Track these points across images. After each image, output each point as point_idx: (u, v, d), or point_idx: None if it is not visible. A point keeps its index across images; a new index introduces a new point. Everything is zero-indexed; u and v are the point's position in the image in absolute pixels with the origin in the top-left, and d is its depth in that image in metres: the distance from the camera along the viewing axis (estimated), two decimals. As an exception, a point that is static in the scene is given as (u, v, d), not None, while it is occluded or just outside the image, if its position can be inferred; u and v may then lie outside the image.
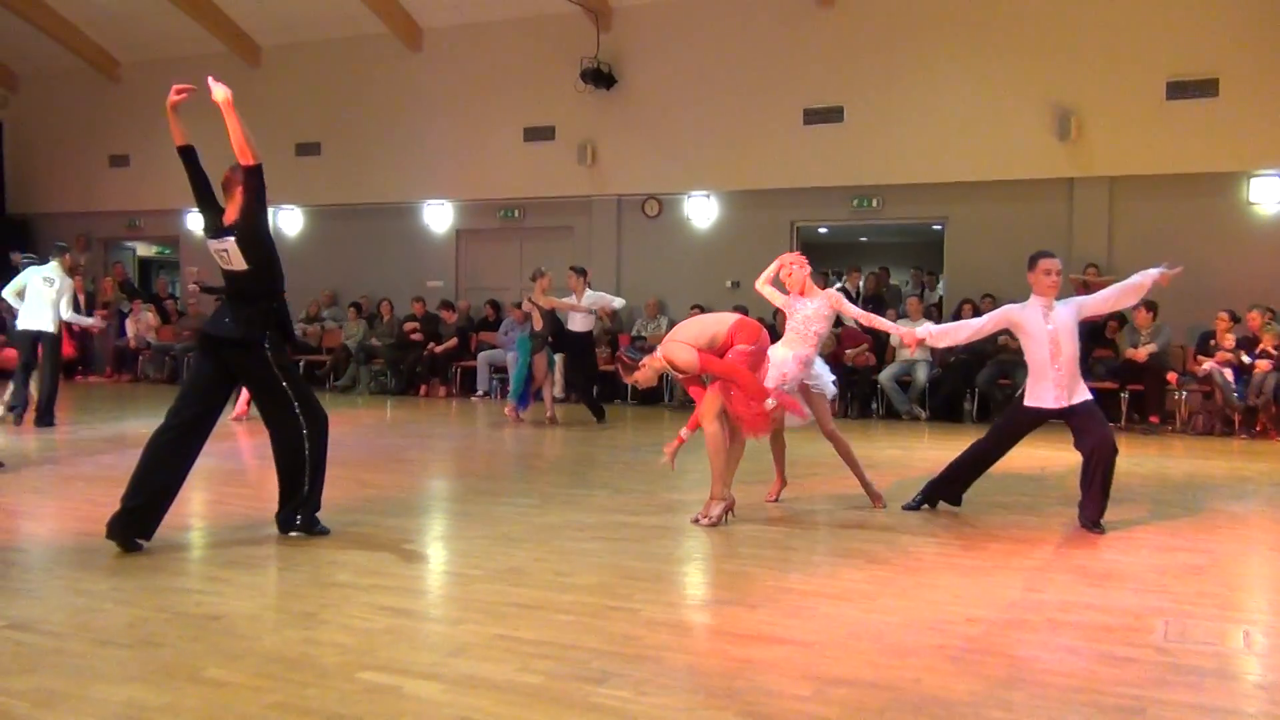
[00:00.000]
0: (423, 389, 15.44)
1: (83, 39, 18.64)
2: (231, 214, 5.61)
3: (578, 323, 12.15)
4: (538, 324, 11.48)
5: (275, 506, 5.60)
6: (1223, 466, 6.53)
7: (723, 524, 5.94)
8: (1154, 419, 11.77)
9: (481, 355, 15.05)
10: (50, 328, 10.59)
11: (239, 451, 9.13)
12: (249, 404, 10.88)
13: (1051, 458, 8.51)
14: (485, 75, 16.46)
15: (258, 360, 5.38)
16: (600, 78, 15.26)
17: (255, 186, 5.52)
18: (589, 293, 12.23)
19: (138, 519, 5.15)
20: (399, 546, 5.40)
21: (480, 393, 14.91)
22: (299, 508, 5.50)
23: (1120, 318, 12.60)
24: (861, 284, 15.48)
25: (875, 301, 14.36)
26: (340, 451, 9.09)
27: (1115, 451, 5.89)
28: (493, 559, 5.11)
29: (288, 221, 18.11)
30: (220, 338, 5.37)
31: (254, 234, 5.48)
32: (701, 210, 15.45)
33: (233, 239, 5.47)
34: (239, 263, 5.45)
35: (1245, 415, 11.33)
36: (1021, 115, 13.46)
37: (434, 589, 4.80)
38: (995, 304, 13.18)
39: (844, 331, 13.22)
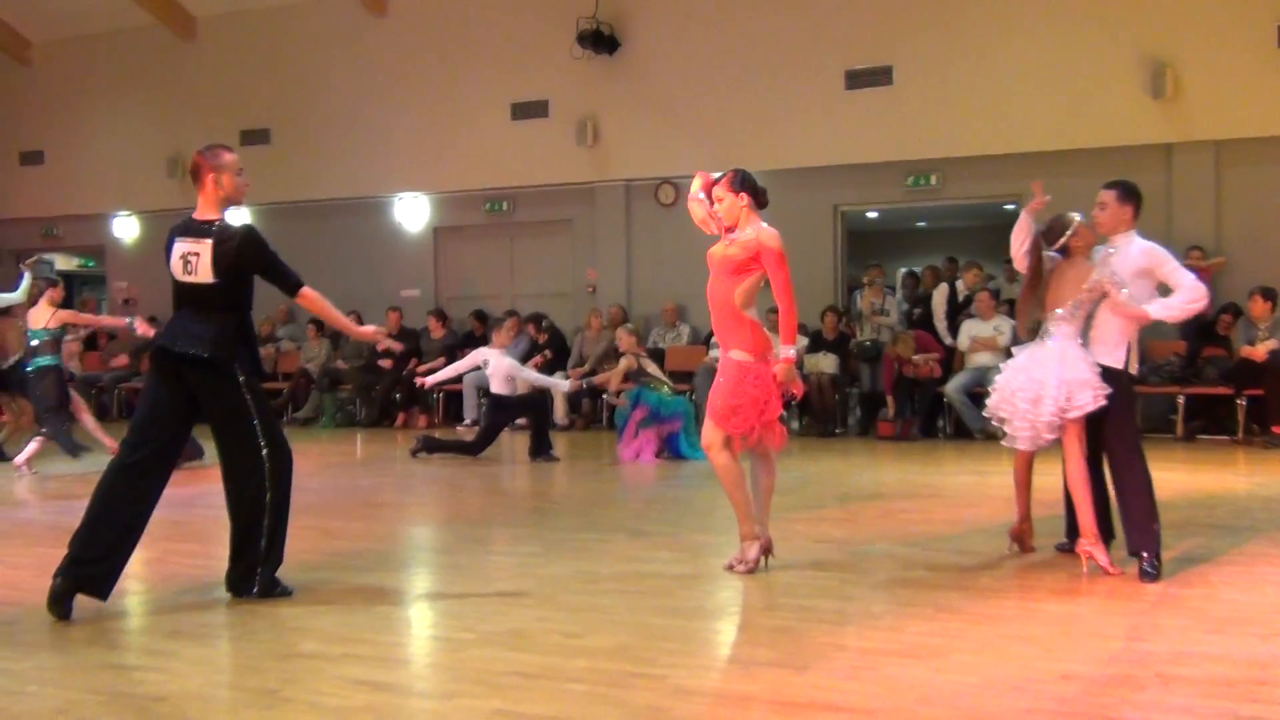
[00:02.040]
0: (400, 418, 15.49)
1: (-15, 15, 18.83)
2: (205, 209, 5.58)
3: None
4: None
5: (221, 563, 5.61)
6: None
7: (761, 568, 5.93)
8: (1277, 429, 11.71)
9: (468, 379, 15.10)
10: None
11: (183, 499, 9.15)
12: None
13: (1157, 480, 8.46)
14: (463, 43, 16.55)
15: (228, 384, 5.37)
16: (600, 41, 15.32)
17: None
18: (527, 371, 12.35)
19: (90, 576, 5.16)
20: (375, 608, 5.40)
21: (468, 421, 14.95)
22: (256, 566, 5.50)
23: (1235, 310, 12.56)
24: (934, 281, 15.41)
25: (928, 301, 14.31)
26: (302, 496, 9.10)
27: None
28: (488, 620, 5.11)
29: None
30: (184, 355, 5.34)
31: (248, 254, 5.46)
32: (726, 196, 15.45)
33: (209, 242, 5.44)
34: (205, 274, 5.42)
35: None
36: (1107, 71, 13.45)
37: (418, 657, 4.80)
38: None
39: (916, 335, 13.22)
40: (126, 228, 18.92)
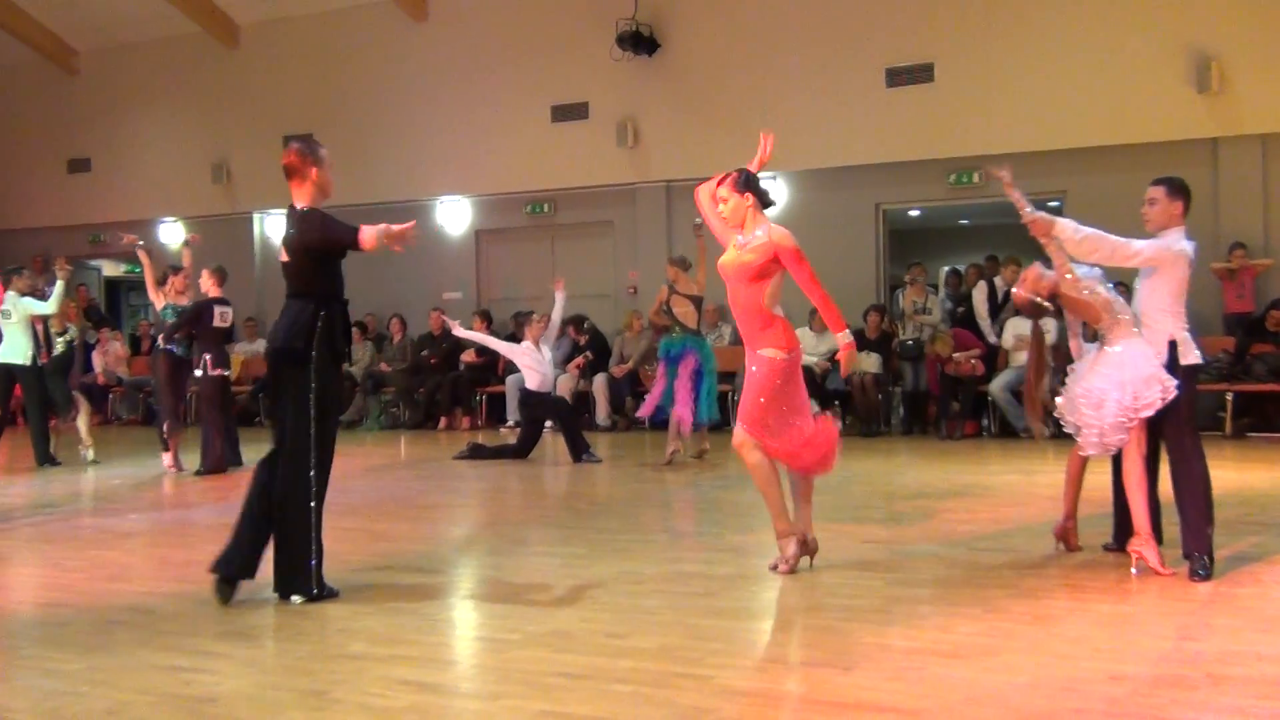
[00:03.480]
0: (442, 421, 15.56)
1: (33, 25, 19.08)
2: (297, 198, 5.95)
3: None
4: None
5: (269, 564, 5.65)
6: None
7: (805, 568, 5.92)
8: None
9: (511, 379, 15.16)
10: (20, 359, 11.38)
11: (232, 504, 9.23)
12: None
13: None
14: (503, 46, 16.61)
15: (299, 375, 5.57)
16: (640, 42, 15.33)
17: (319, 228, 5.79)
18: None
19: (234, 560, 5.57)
20: (421, 609, 5.43)
21: (510, 423, 14.99)
22: (299, 570, 5.57)
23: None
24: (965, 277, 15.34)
25: (970, 299, 14.20)
26: (347, 498, 9.20)
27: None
28: (533, 621, 5.12)
29: (276, 228, 18.34)
30: (266, 347, 5.74)
31: (305, 224, 5.75)
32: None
33: (286, 223, 5.82)
34: (281, 253, 5.83)
35: None
36: (1151, 65, 13.32)
37: (464, 658, 4.82)
38: (1128, 292, 13.07)
39: (956, 333, 13.15)
40: (172, 233, 19.09)
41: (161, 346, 11.11)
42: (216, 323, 10.89)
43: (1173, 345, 5.80)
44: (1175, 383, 5.66)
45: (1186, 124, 13.26)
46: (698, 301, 10.98)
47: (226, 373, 11.07)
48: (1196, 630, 4.76)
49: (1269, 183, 13.07)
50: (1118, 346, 5.85)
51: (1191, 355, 5.83)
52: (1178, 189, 5.96)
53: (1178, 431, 5.77)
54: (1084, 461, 6.15)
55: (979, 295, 13.76)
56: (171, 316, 11.14)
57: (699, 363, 10.86)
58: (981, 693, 3.97)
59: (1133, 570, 5.65)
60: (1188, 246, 5.82)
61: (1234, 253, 12.36)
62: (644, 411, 11.17)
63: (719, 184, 6.15)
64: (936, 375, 13.04)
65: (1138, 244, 5.77)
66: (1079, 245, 5.83)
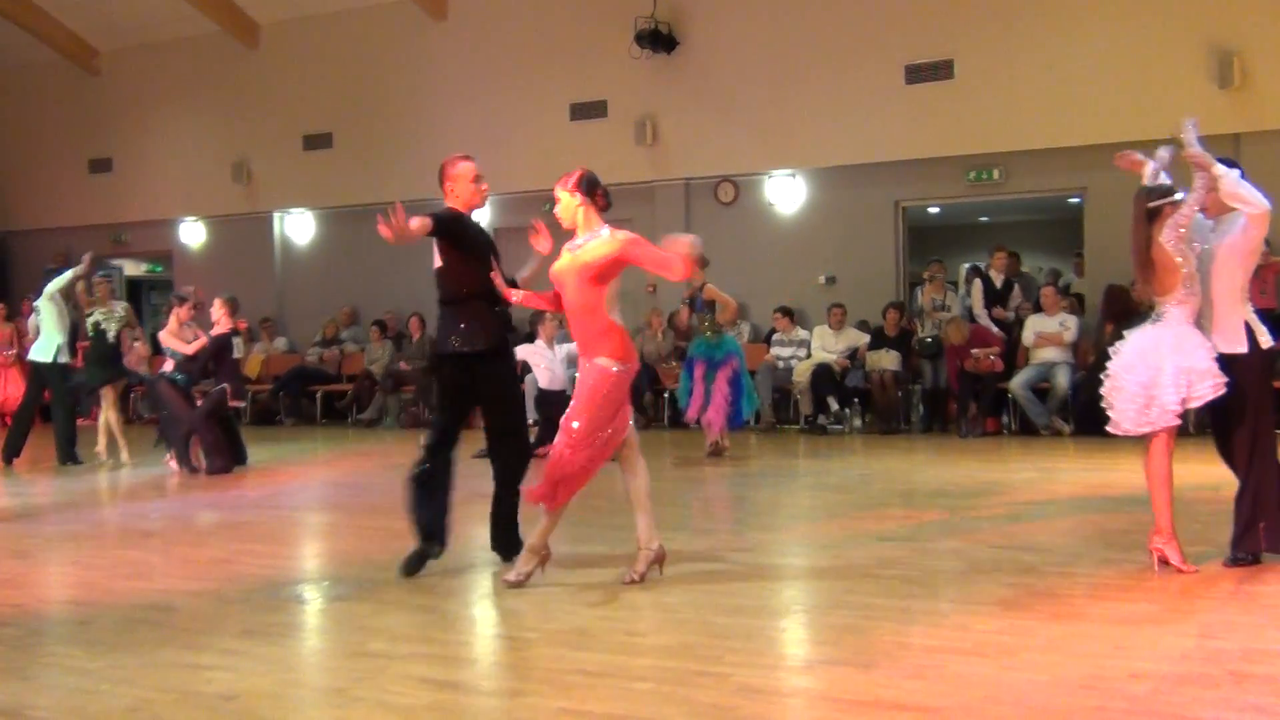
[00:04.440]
0: (461, 419, 15.58)
1: (54, 25, 19.15)
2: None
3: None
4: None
5: (291, 564, 5.68)
6: None
7: (655, 577, 5.76)
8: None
9: (529, 378, 15.14)
10: (42, 357, 11.64)
11: (250, 501, 9.28)
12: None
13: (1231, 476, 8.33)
14: (522, 44, 16.62)
15: (501, 370, 6.27)
16: (659, 40, 15.32)
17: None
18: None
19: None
20: (440, 607, 5.45)
21: (529, 421, 14.97)
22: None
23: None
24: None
25: (995, 296, 14.12)
26: (369, 497, 9.23)
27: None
28: (552, 618, 5.13)
29: (296, 227, 18.43)
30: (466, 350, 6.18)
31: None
32: (786, 193, 15.42)
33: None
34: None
35: None
36: (1172, 60, 13.23)
37: (484, 656, 4.83)
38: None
39: (973, 329, 13.10)
40: (193, 233, 19.17)
41: (166, 376, 11.12)
42: (237, 354, 11.08)
43: (1248, 329, 5.70)
44: (1227, 380, 5.55)
45: (1208, 119, 12.97)
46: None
47: (243, 403, 11.36)
48: (1218, 628, 4.74)
49: (1292, 178, 12.98)
50: (1178, 329, 5.65)
51: (1266, 338, 5.71)
52: (1232, 169, 5.82)
53: (1259, 421, 5.66)
54: (1170, 453, 5.73)
55: (976, 292, 13.67)
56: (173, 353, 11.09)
57: (738, 364, 11.14)
58: (1001, 691, 3.96)
59: (1154, 568, 5.62)
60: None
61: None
62: (692, 415, 11.20)
63: (559, 182, 6.02)
64: (955, 368, 12.98)
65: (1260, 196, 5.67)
66: (1232, 191, 5.66)
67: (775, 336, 14.46)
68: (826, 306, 14.32)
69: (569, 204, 5.93)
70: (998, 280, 13.77)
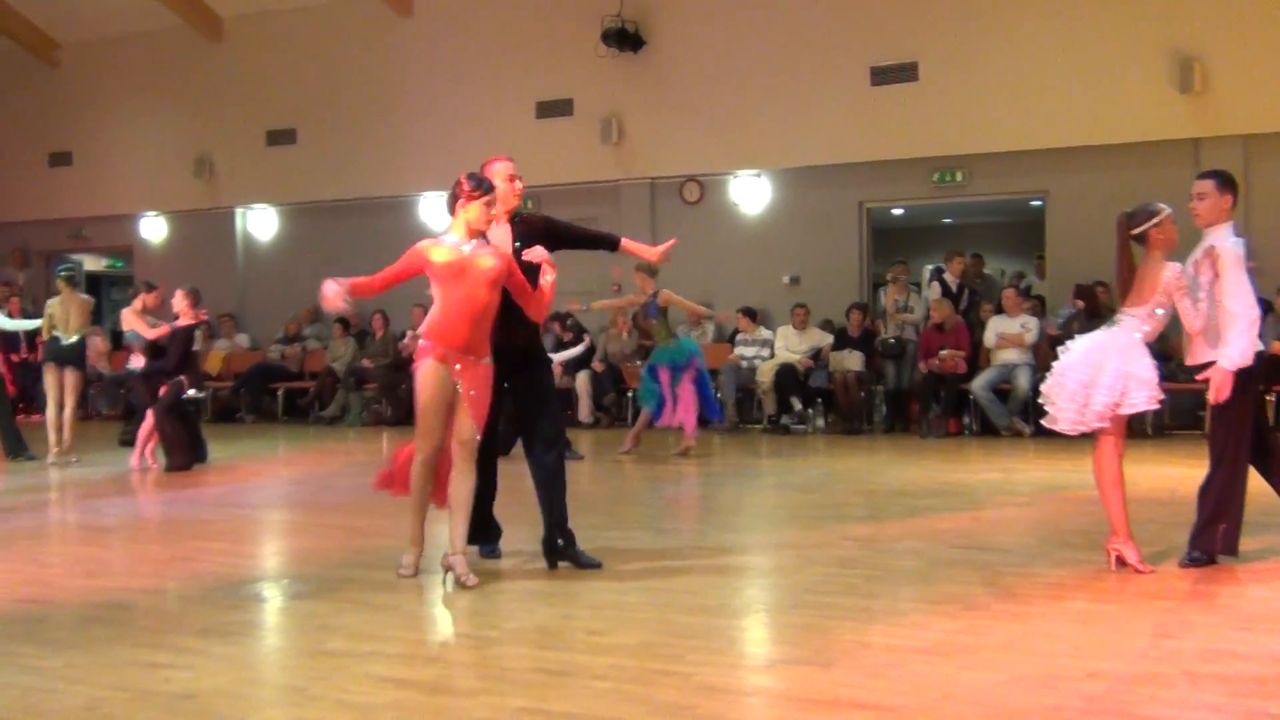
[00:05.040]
0: (425, 417, 15.53)
1: (13, 16, 18.94)
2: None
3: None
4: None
5: (250, 561, 5.65)
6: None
7: (447, 588, 5.72)
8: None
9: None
10: None
11: (210, 499, 9.22)
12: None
13: (1185, 477, 8.42)
14: (488, 42, 16.58)
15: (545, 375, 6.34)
16: (625, 39, 15.33)
17: None
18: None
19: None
20: (402, 606, 5.43)
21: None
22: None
23: (1266, 306, 12.45)
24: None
25: (952, 300, 14.21)
26: (331, 495, 9.19)
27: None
28: (513, 618, 5.13)
29: (259, 223, 18.31)
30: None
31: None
32: (751, 193, 15.46)
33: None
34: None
35: None
36: (1134, 65, 13.36)
37: (444, 655, 4.81)
38: (1110, 291, 13.13)
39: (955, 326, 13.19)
40: (155, 228, 19.02)
41: (138, 370, 11.06)
42: (196, 346, 11.04)
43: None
44: (1162, 397, 5.65)
45: (1169, 124, 13.31)
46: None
47: (201, 394, 11.25)
48: (1174, 628, 4.78)
49: (1250, 183, 13.08)
50: (1129, 337, 5.71)
51: (1255, 346, 5.74)
52: (1227, 182, 5.84)
53: (1232, 431, 5.74)
54: (1119, 456, 5.80)
55: (933, 295, 13.75)
56: (136, 338, 11.05)
57: (700, 363, 11.26)
58: (959, 690, 3.99)
59: (1111, 568, 5.67)
60: (1240, 244, 5.73)
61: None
62: (664, 421, 11.28)
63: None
64: (929, 348, 13.02)
65: (1238, 300, 5.60)
66: (1239, 355, 5.61)
67: (739, 336, 14.50)
68: (790, 306, 14.37)
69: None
70: (953, 284, 13.85)
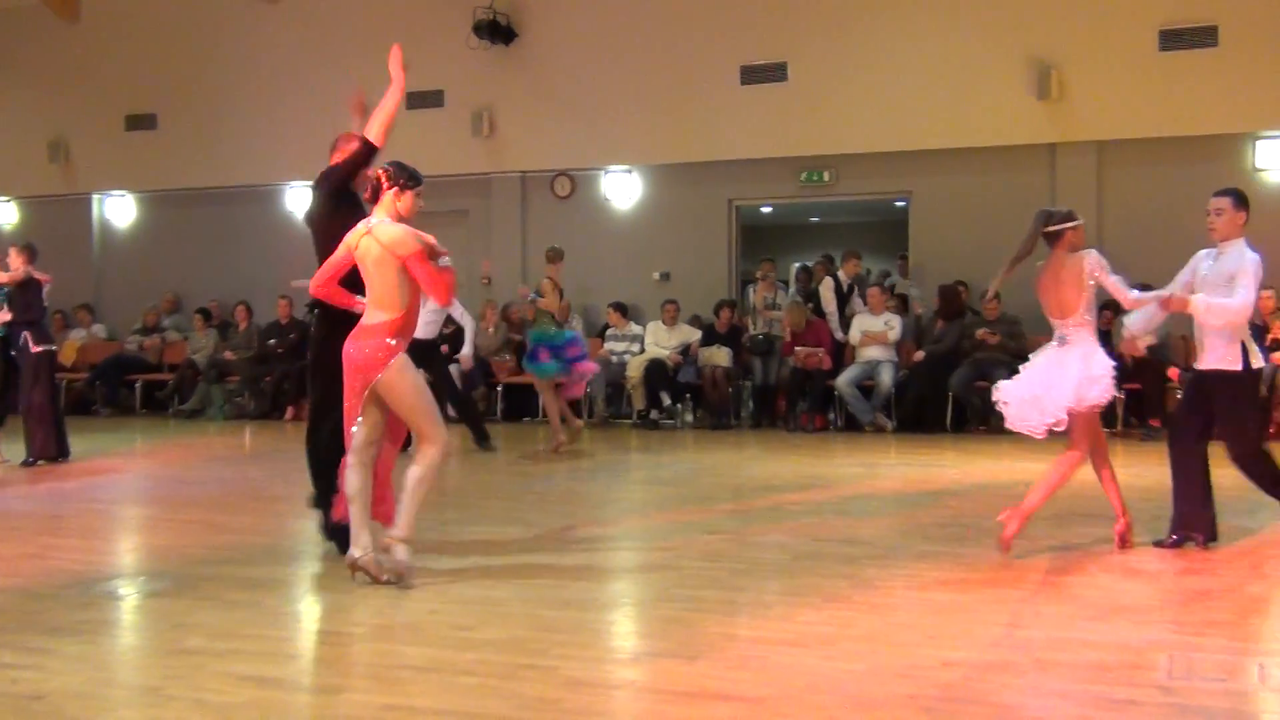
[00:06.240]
0: (289, 411, 15.24)
1: None
2: None
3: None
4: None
5: (106, 559, 5.50)
6: (1233, 475, 6.75)
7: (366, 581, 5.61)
8: (1154, 422, 12.06)
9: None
10: None
11: (61, 494, 8.93)
12: None
13: (1031, 473, 8.68)
14: (357, 29, 16.31)
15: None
16: (497, 31, 15.24)
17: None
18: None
19: None
20: (262, 602, 5.33)
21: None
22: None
23: (1116, 308, 12.90)
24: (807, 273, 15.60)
25: (842, 299, 14.45)
26: (190, 490, 8.98)
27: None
28: (378, 613, 5.07)
29: (116, 211, 17.76)
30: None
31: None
32: (622, 188, 15.50)
33: None
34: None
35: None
36: (995, 72, 13.71)
37: (306, 652, 4.75)
38: (970, 290, 13.48)
39: (812, 324, 13.37)
40: (5, 213, 18.33)
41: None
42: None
43: (1243, 348, 6.08)
44: (1113, 394, 6.12)
45: (1027, 130, 13.70)
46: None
47: (53, 348, 10.66)
48: (1027, 618, 4.94)
49: (1103, 187, 13.58)
50: (1085, 346, 6.09)
51: (1258, 358, 6.17)
52: (1242, 200, 6.25)
53: (1241, 435, 6.21)
54: (1074, 472, 6.23)
55: (826, 291, 14.00)
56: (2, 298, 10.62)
57: (581, 348, 11.54)
58: (821, 680, 4.06)
59: (998, 527, 5.83)
60: (1258, 258, 6.10)
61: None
62: (576, 391, 11.68)
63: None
64: (791, 348, 13.22)
65: (1241, 296, 5.98)
66: (1208, 314, 6.01)
67: (609, 331, 14.52)
68: (660, 303, 14.44)
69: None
70: (845, 284, 14.09)
